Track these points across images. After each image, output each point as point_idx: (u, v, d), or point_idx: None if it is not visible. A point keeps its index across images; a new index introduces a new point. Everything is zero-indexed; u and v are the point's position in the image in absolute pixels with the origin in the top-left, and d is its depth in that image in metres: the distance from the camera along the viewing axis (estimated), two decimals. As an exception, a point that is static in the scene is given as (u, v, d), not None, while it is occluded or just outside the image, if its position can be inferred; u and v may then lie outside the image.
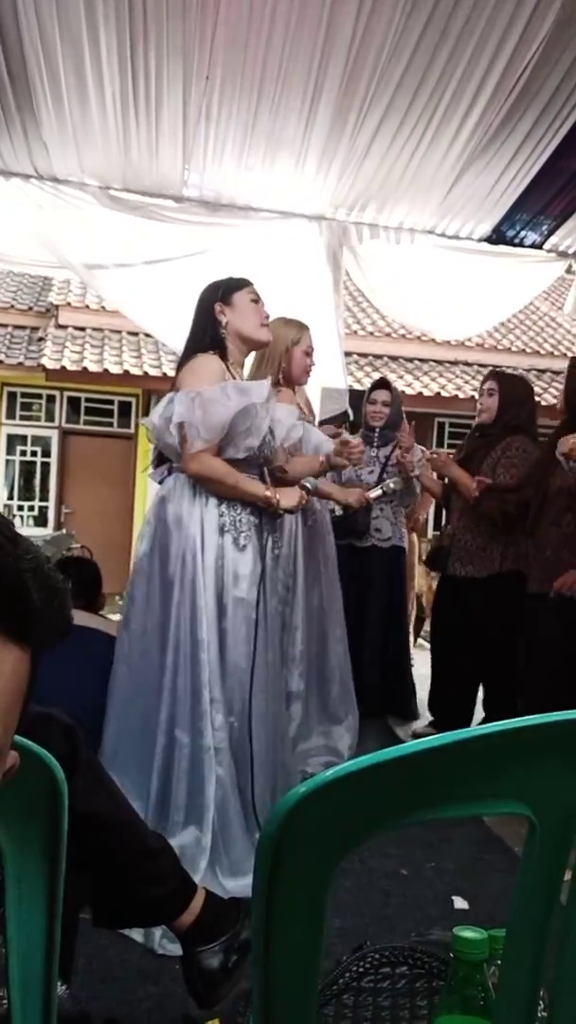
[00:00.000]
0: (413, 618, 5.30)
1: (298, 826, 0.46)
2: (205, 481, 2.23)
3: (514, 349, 10.45)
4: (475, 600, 3.14)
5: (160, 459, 2.45)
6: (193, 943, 1.43)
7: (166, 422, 2.23)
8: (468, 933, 0.68)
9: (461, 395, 9.60)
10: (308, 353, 2.90)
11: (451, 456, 3.38)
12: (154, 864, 1.40)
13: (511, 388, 3.26)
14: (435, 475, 3.50)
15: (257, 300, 2.42)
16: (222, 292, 2.40)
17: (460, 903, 2.10)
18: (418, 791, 0.48)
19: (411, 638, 4.69)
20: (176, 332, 2.97)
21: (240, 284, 2.43)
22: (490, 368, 4.41)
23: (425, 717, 3.59)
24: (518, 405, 3.21)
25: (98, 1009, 1.56)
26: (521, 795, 0.51)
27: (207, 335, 2.36)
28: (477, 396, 3.35)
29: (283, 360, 2.89)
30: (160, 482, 2.39)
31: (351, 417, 4.16)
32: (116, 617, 2.84)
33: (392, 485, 3.32)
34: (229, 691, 2.19)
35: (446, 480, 3.51)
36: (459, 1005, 0.68)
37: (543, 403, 9.17)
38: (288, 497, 2.35)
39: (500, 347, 10.27)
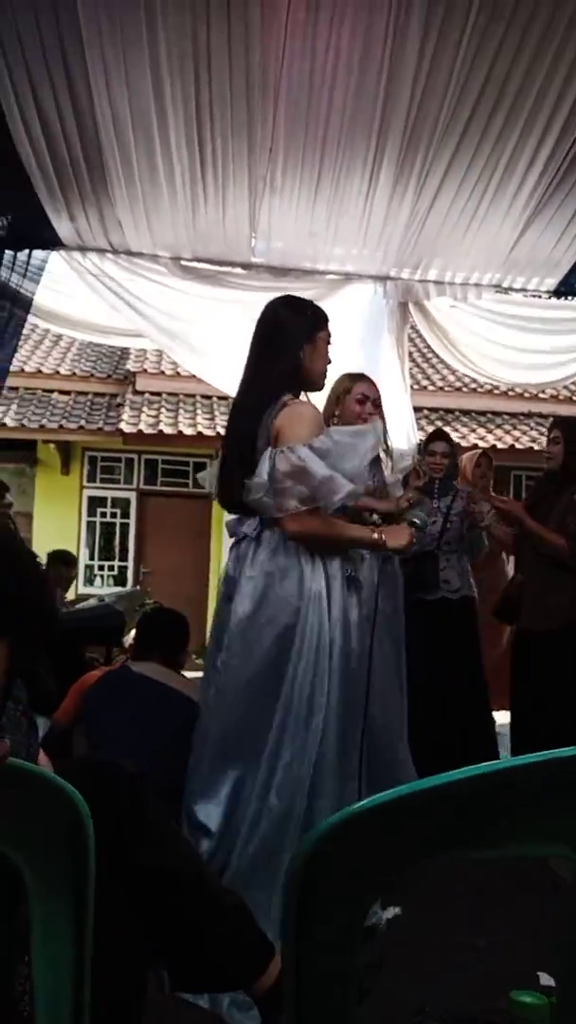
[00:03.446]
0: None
1: (327, 859, 0.44)
2: (305, 539, 2.07)
3: (588, 400, 10.26)
4: (551, 654, 3.03)
5: (235, 506, 2.24)
6: (273, 1009, 1.35)
7: (265, 483, 2.03)
8: (527, 998, 0.64)
9: (536, 447, 9.44)
10: (361, 401, 2.88)
11: (521, 504, 3.30)
12: (227, 924, 1.34)
13: (575, 433, 3.22)
14: (506, 526, 3.42)
15: (330, 342, 2.32)
16: (309, 328, 2.23)
17: (546, 979, 1.96)
18: (450, 826, 0.46)
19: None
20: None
21: (325, 320, 2.28)
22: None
23: None
24: None
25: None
26: (564, 836, 0.48)
27: (286, 369, 2.17)
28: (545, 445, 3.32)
29: (336, 410, 2.88)
30: (243, 536, 2.19)
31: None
32: (193, 675, 2.82)
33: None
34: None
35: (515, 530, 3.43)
36: (520, 1076, 0.64)
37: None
38: (395, 536, 2.18)
39: (575, 398, 10.10)
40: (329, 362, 2.34)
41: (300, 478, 2.01)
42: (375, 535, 2.16)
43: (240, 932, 1.35)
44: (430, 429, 9.21)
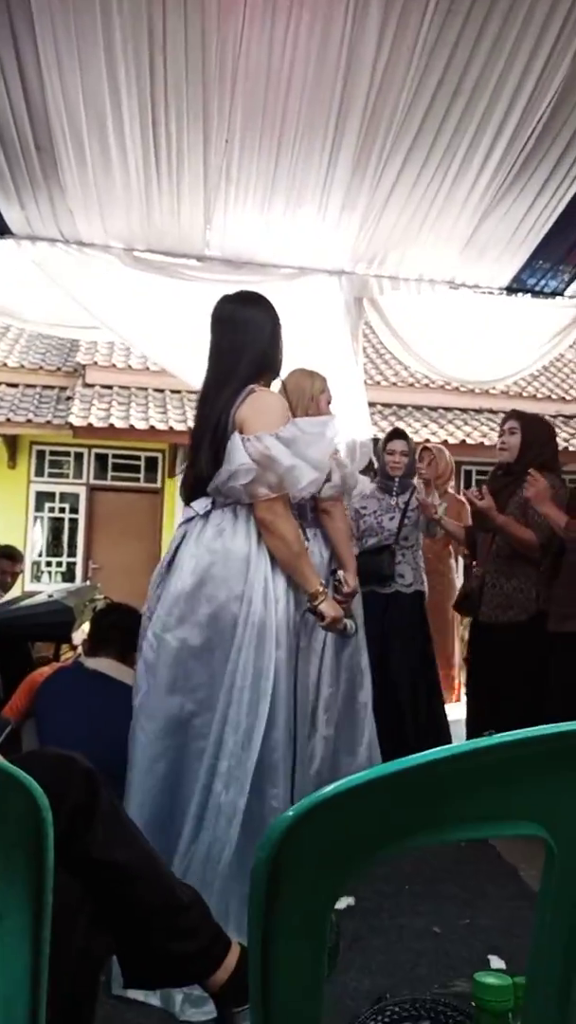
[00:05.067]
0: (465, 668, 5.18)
1: (293, 850, 0.43)
2: (271, 528, 2.06)
3: (539, 396, 10.47)
4: (516, 644, 3.05)
5: (197, 492, 2.20)
6: (228, 1002, 1.35)
7: (235, 469, 2.03)
8: (490, 980, 0.64)
9: (487, 442, 9.59)
10: (329, 403, 2.94)
11: (479, 493, 3.25)
12: (184, 918, 1.32)
13: (533, 427, 3.24)
14: (464, 520, 3.45)
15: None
16: (274, 319, 2.26)
17: (497, 963, 1.99)
18: (420, 809, 0.45)
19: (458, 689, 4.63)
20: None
21: (276, 311, 2.31)
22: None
23: None
24: (541, 444, 3.19)
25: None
26: (536, 815, 0.48)
27: (256, 360, 2.19)
28: (497, 436, 3.32)
29: (310, 408, 2.90)
30: (192, 516, 2.17)
31: (375, 466, 4.18)
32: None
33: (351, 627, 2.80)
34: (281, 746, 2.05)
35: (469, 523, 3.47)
36: (484, 1059, 0.64)
37: (571, 448, 9.17)
38: (333, 606, 2.15)
39: (525, 394, 10.29)
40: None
41: (267, 465, 2.04)
42: (320, 587, 2.13)
43: (196, 925, 1.33)
44: (383, 424, 9.33)
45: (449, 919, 2.20)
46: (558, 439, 3.71)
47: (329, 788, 0.44)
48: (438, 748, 0.46)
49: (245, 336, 2.22)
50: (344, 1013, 1.44)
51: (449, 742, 3.66)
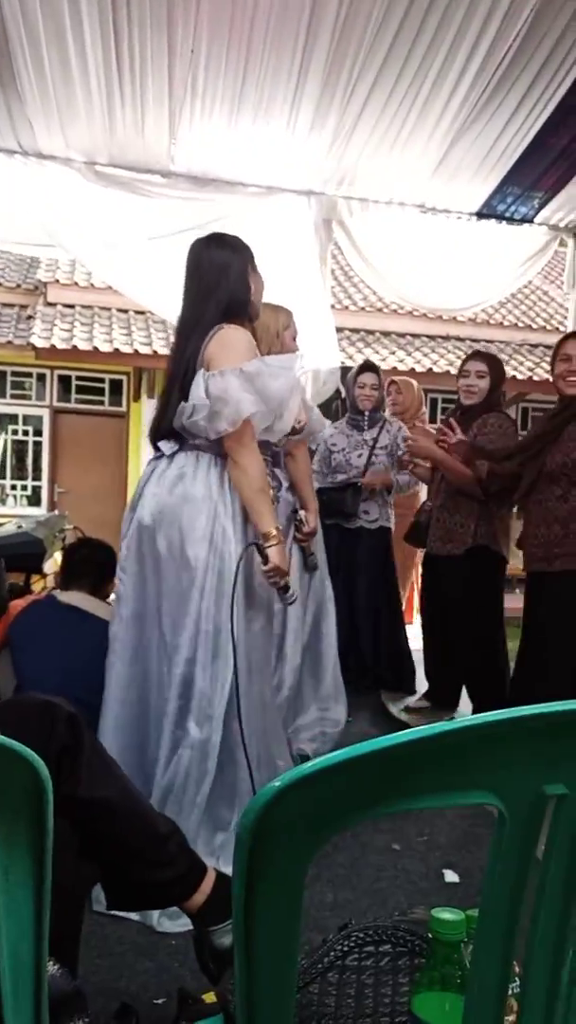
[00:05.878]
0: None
1: (274, 819, 0.48)
2: (238, 456, 2.08)
3: (506, 324, 10.41)
4: (453, 576, 3.20)
5: (162, 432, 2.23)
6: (204, 922, 1.44)
7: (198, 405, 2.07)
8: (446, 915, 0.70)
9: (453, 371, 9.55)
10: (294, 338, 2.90)
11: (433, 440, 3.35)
12: (164, 848, 1.41)
13: (497, 369, 3.30)
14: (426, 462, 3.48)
15: None
16: (251, 263, 2.25)
17: (451, 876, 2.14)
18: (390, 784, 0.50)
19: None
20: (172, 306, 2.88)
21: (252, 252, 2.30)
22: (481, 343, 4.41)
23: (419, 692, 3.65)
24: (501, 385, 3.28)
25: (95, 983, 1.59)
26: (490, 787, 0.53)
27: (238, 300, 2.19)
28: (462, 376, 3.30)
29: (274, 345, 2.88)
30: (160, 454, 2.22)
31: (343, 395, 4.16)
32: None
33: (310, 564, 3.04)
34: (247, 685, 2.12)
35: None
36: (438, 982, 0.71)
37: (535, 378, 9.22)
38: (280, 555, 2.13)
39: (492, 321, 10.22)
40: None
41: (225, 399, 2.06)
42: (274, 530, 2.12)
43: (175, 854, 1.42)
44: (351, 351, 9.22)
45: (408, 836, 2.34)
46: (523, 367, 3.72)
47: (308, 765, 0.48)
48: (407, 731, 0.50)
49: (211, 280, 2.19)
50: (307, 921, 1.55)
51: (411, 665, 3.81)
